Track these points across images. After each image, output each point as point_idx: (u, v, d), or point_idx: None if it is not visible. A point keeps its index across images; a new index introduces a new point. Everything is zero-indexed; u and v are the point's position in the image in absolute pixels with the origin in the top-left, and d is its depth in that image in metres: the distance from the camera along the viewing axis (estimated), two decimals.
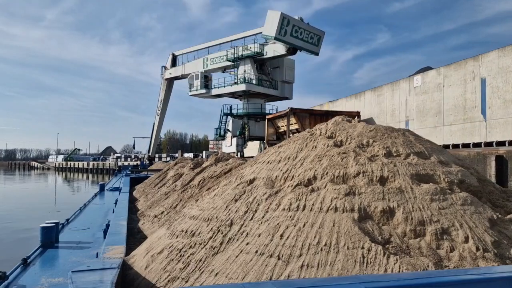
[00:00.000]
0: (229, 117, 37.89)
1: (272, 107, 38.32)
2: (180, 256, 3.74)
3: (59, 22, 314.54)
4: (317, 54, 34.61)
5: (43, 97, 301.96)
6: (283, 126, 23.28)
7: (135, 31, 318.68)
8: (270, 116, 25.37)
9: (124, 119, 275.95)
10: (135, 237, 6.35)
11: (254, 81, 35.45)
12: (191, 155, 56.16)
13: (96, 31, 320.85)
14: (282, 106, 43.91)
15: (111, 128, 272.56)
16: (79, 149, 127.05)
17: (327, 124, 5.39)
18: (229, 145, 35.40)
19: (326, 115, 20.33)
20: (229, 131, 36.40)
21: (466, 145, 10.89)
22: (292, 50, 33.41)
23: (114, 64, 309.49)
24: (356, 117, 19.92)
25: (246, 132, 34.65)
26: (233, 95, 37.99)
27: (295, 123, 21.07)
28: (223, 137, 37.88)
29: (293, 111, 20.99)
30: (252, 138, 33.63)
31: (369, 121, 19.75)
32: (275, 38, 31.59)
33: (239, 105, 38.21)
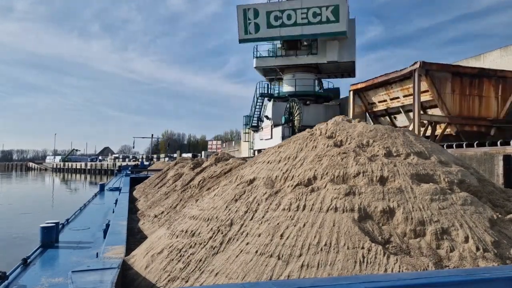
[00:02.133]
0: (266, 100, 27.55)
1: (329, 84, 28.31)
2: (180, 256, 3.74)
3: (31, 13, 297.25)
4: (344, 34, 23.91)
5: (29, 96, 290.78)
6: (384, 101, 15.17)
7: (114, 24, 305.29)
8: (359, 86, 15.95)
9: (116, 119, 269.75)
10: (135, 237, 6.35)
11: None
12: (189, 155, 55.90)
13: (74, 24, 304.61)
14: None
15: (103, 128, 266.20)
16: (76, 150, 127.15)
17: (327, 124, 5.40)
18: (267, 138, 25.39)
19: (479, 77, 13.03)
20: (268, 118, 25.80)
21: (470, 145, 10.85)
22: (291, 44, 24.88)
23: (98, 61, 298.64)
24: None
25: (297, 119, 23.52)
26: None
27: (425, 91, 12.82)
28: (256, 128, 27.58)
29: (426, 69, 12.43)
30: (303, 128, 19.36)
31: None
32: (240, 41, 25.09)
33: (280, 85, 28.32)
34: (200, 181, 9.13)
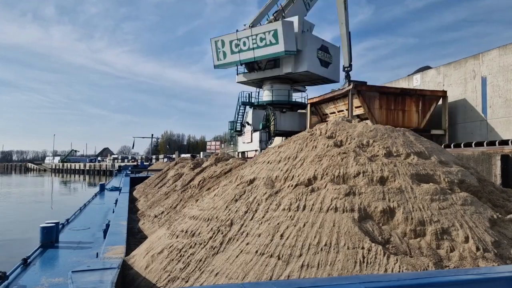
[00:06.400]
0: (247, 107, 30.71)
1: (301, 95, 31.88)
2: (180, 256, 3.74)
3: None
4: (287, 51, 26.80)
5: (1, 93, 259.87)
6: (333, 113, 18.39)
7: (69, 5, 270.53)
8: (314, 100, 19.76)
9: (100, 118, 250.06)
10: (135, 237, 6.35)
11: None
12: (188, 156, 55.52)
13: (25, 5, 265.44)
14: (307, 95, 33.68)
15: (89, 128, 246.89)
16: (75, 151, 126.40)
17: (327, 124, 5.39)
18: (248, 142, 28.78)
19: (402, 95, 16.16)
20: (248, 124, 29.26)
21: (468, 144, 10.85)
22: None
23: (63, 51, 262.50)
24: (442, 98, 16.33)
25: (272, 125, 26.93)
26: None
27: (359, 107, 15.98)
28: (239, 132, 30.75)
29: (358, 89, 15.68)
30: (278, 133, 27.31)
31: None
32: (215, 67, 29.55)
33: (260, 93, 31.78)
34: (200, 181, 9.13)
